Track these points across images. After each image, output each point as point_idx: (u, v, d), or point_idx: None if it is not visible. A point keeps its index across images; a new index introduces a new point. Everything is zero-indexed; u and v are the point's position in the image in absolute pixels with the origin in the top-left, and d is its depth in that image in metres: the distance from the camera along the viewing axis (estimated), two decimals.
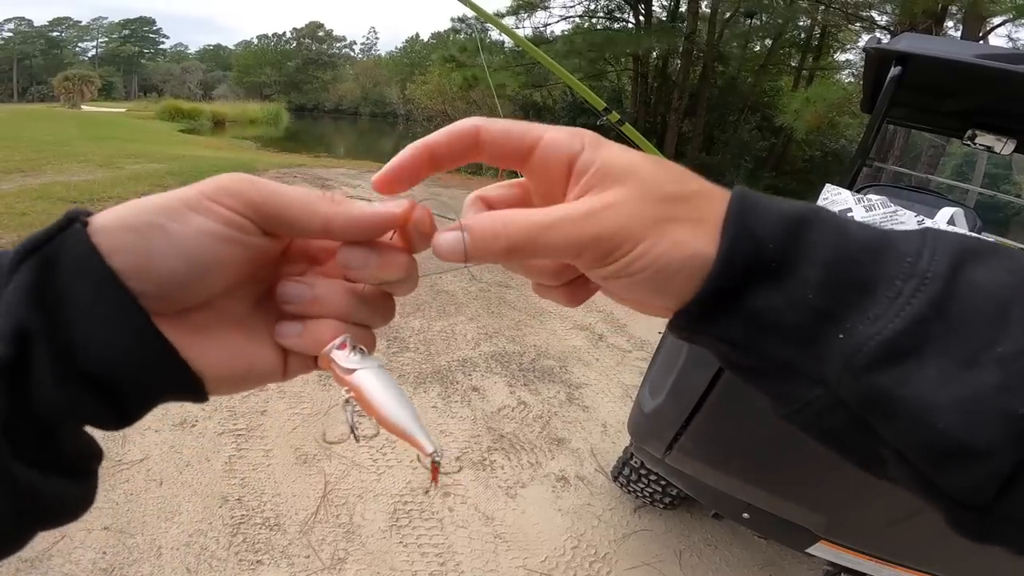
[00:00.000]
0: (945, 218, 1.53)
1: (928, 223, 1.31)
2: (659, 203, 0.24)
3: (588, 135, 0.26)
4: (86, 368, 0.21)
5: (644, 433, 1.44)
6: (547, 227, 0.24)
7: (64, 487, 0.23)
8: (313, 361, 0.28)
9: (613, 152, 0.25)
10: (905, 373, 0.21)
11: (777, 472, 1.23)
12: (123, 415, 0.23)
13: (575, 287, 0.30)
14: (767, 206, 0.24)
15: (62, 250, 0.22)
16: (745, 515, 1.37)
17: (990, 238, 1.34)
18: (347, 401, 0.27)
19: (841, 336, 0.22)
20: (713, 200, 0.25)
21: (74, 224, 0.22)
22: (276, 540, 1.65)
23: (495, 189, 0.30)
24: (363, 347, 0.27)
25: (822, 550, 1.32)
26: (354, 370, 0.26)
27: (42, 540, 1.49)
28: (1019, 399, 0.19)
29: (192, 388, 0.24)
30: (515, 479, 2.05)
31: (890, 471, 0.23)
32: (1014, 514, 0.20)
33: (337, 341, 0.26)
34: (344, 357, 0.26)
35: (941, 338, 0.21)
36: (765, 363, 0.24)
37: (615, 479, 1.98)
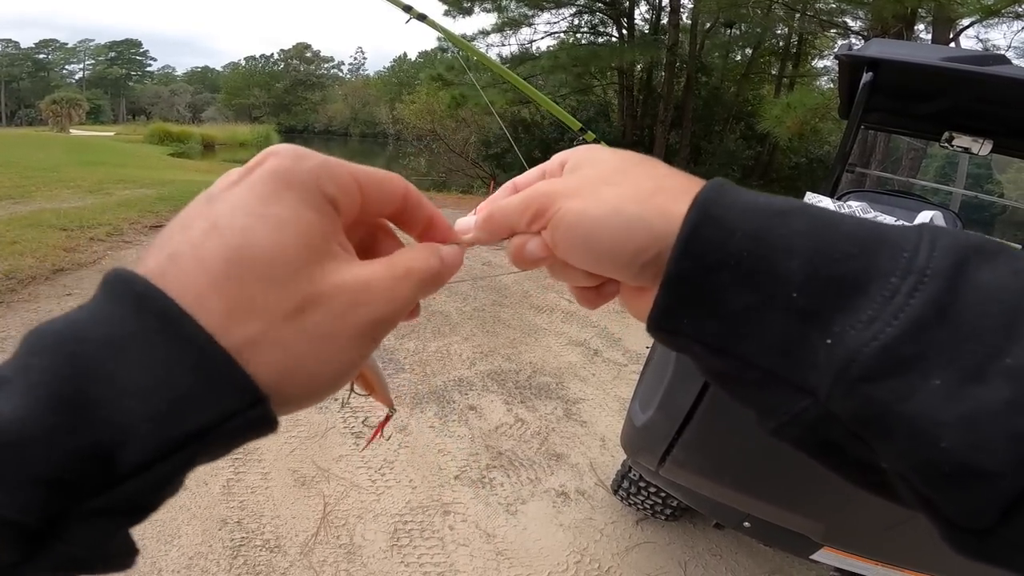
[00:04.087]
0: (925, 221, 1.56)
1: None
2: (602, 176, 0.26)
3: (588, 147, 0.29)
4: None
5: (636, 447, 1.45)
6: (505, 201, 0.28)
7: None
8: None
9: (585, 151, 0.28)
10: (907, 385, 0.18)
11: (771, 480, 1.23)
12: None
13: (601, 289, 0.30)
14: (742, 195, 0.23)
15: (236, 436, 0.20)
16: (746, 524, 1.37)
17: None
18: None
19: (829, 341, 0.20)
20: (658, 176, 0.25)
21: (257, 407, 0.19)
22: (277, 562, 1.64)
23: (525, 176, 0.32)
24: None
25: (827, 556, 1.32)
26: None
27: None
28: None
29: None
30: (515, 496, 2.04)
31: (888, 488, 0.22)
32: (1015, 540, 0.18)
33: None
34: None
35: (943, 346, 0.19)
36: (745, 370, 0.22)
37: (615, 492, 1.98)
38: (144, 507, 0.20)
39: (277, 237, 0.20)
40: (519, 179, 0.32)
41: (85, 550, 0.18)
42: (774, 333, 0.21)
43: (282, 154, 0.23)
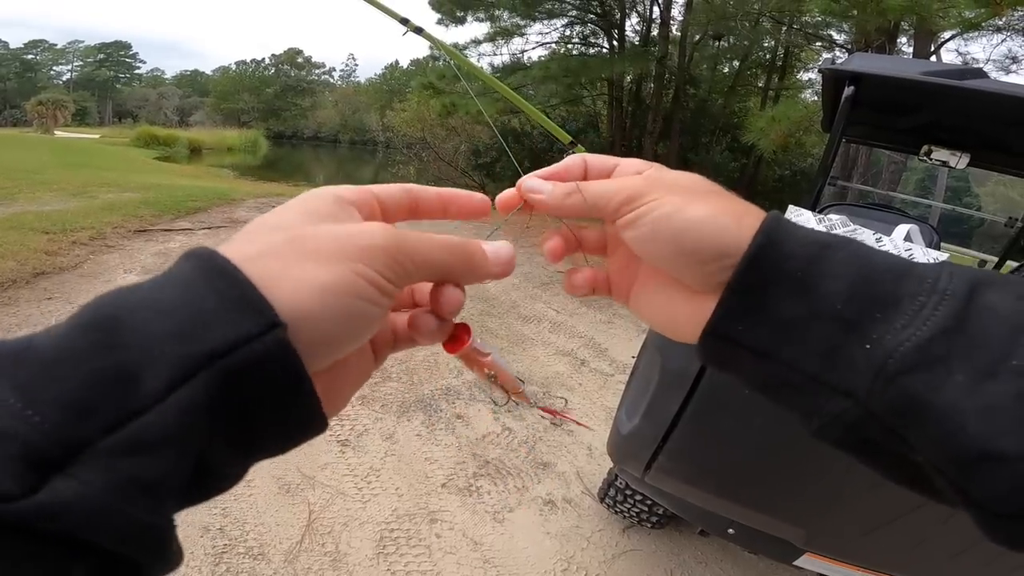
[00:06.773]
0: (902, 234, 1.59)
1: (885, 240, 1.37)
2: (692, 191, 0.29)
3: (654, 165, 0.32)
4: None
5: (623, 454, 1.46)
6: (590, 182, 0.31)
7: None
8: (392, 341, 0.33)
9: (665, 170, 0.32)
10: (937, 377, 0.22)
11: (754, 486, 1.25)
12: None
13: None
14: (797, 227, 0.27)
15: (259, 368, 0.20)
16: (730, 531, 1.39)
17: (947, 251, 1.39)
18: (490, 376, 0.38)
19: (868, 346, 0.24)
20: (737, 202, 0.29)
21: (274, 330, 0.20)
22: (261, 569, 1.62)
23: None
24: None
25: (809, 562, 1.34)
26: (489, 354, 0.37)
27: None
28: None
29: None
30: (502, 504, 2.04)
31: (924, 481, 0.25)
32: None
33: (474, 336, 0.34)
34: (481, 345, 0.36)
35: (963, 349, 0.22)
36: (792, 375, 0.26)
37: (602, 500, 1.98)
38: (167, 468, 0.18)
39: (289, 209, 0.26)
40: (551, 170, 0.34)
41: (92, 499, 0.17)
42: (819, 340, 0.25)
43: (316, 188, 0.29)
